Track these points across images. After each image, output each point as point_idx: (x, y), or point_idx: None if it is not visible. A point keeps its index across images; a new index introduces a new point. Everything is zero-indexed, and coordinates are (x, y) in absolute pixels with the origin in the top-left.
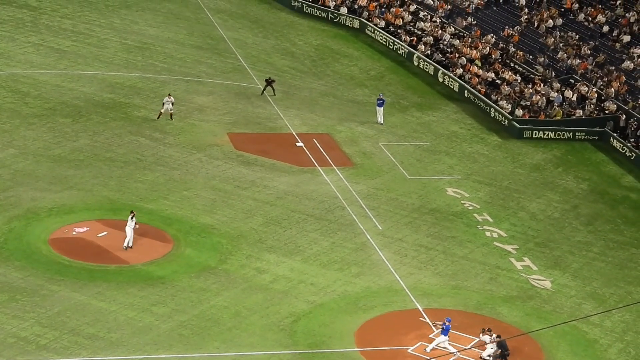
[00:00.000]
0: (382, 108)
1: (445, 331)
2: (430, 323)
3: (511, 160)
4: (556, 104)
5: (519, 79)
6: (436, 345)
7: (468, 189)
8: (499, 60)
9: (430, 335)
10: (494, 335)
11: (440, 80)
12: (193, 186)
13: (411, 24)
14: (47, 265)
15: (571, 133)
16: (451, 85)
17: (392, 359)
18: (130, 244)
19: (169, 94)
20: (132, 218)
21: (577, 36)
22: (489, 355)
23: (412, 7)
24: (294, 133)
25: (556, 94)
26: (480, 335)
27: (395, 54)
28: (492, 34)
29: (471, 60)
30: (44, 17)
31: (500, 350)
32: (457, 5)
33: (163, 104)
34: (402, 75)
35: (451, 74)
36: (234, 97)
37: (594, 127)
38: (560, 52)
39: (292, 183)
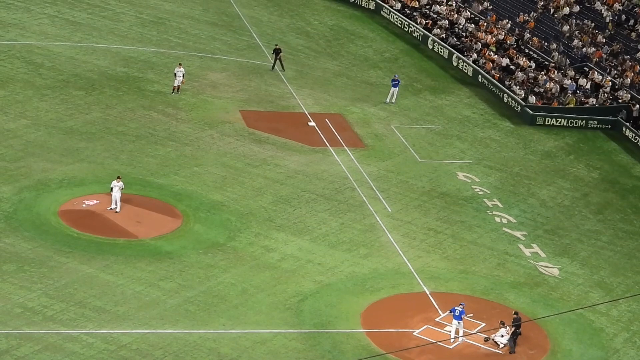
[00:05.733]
0: (397, 89)
1: (458, 316)
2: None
3: (523, 147)
4: (570, 92)
5: (533, 65)
6: (461, 334)
7: (479, 174)
8: (514, 46)
9: (437, 319)
10: (508, 327)
11: (455, 64)
12: (204, 162)
13: (427, 6)
14: (56, 237)
15: (584, 121)
16: (465, 69)
17: (398, 341)
18: (118, 209)
19: (180, 64)
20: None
21: (593, 24)
22: (502, 335)
23: None
24: (306, 112)
25: (570, 81)
26: (500, 328)
27: (410, 36)
28: (507, 20)
29: (486, 45)
30: None
31: (514, 329)
32: None
33: (175, 74)
34: (417, 58)
35: (465, 59)
36: (247, 74)
37: (607, 115)
38: (575, 40)
39: (303, 162)
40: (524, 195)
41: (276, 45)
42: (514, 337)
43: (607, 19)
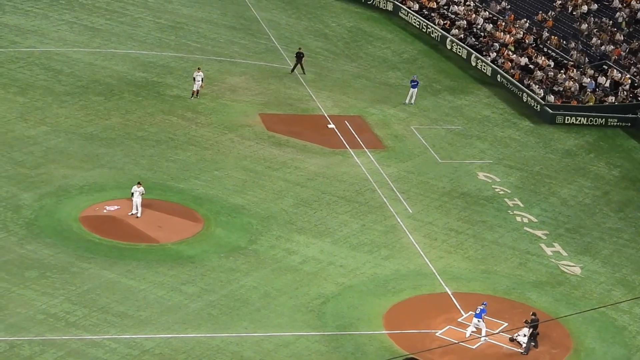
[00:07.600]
0: (416, 89)
1: (478, 314)
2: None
3: (543, 146)
4: (589, 90)
5: (552, 64)
6: (483, 333)
7: (499, 174)
8: (533, 45)
9: (459, 319)
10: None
11: (473, 64)
12: (224, 166)
13: (445, 7)
14: (78, 243)
15: (603, 119)
16: (484, 69)
17: (420, 342)
18: (139, 214)
19: (199, 68)
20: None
21: (611, 22)
22: (524, 335)
23: None
24: (325, 115)
25: (589, 80)
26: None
27: (429, 37)
28: (525, 19)
29: (505, 45)
30: None
31: (531, 330)
32: None
33: (194, 79)
34: (435, 59)
35: (484, 58)
36: (266, 77)
37: (627, 113)
38: (594, 38)
39: (323, 165)
40: (544, 194)
41: (299, 48)
42: (532, 337)
43: (620, 19)
